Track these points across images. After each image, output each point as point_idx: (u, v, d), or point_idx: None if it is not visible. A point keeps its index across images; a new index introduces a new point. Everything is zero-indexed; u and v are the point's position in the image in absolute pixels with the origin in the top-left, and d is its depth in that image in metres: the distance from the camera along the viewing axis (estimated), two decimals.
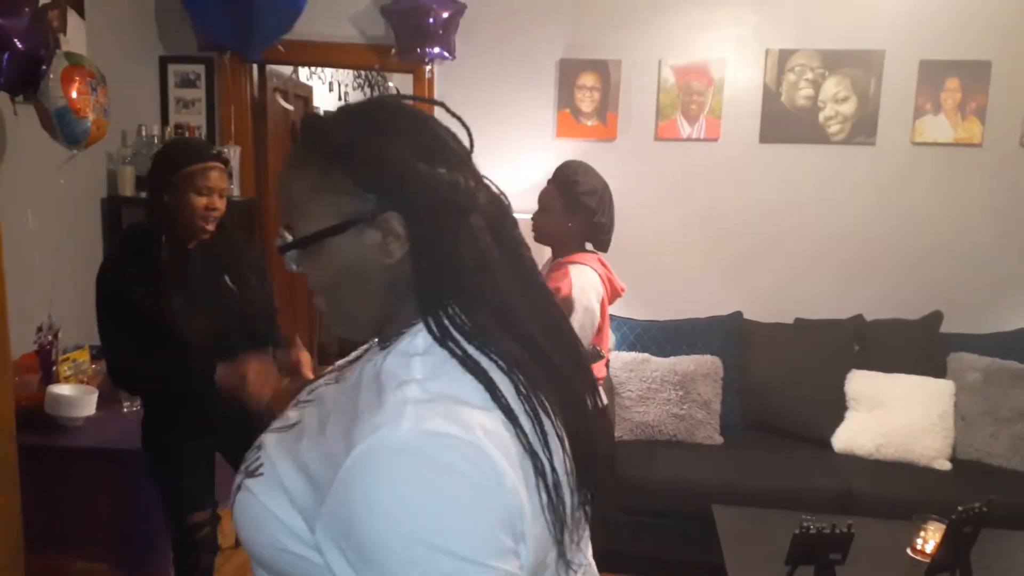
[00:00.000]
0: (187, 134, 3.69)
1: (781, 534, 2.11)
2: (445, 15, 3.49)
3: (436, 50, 3.54)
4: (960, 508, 2.01)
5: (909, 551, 2.26)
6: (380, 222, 0.78)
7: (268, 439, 0.84)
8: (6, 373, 0.78)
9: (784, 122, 3.52)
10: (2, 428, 0.88)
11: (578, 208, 2.36)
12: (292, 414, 0.87)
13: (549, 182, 2.45)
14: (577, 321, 2.27)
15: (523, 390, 0.75)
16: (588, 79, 3.61)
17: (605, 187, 2.41)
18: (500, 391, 0.74)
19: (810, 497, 2.83)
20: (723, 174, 3.60)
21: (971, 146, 3.45)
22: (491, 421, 0.71)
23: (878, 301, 3.51)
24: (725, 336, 3.43)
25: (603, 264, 2.45)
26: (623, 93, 3.60)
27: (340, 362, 0.96)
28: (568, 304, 2.23)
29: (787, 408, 3.31)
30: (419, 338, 0.78)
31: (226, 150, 3.57)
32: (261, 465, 0.81)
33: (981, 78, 3.39)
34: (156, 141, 3.65)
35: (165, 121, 3.78)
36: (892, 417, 3.13)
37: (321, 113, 0.80)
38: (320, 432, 0.78)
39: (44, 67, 2.34)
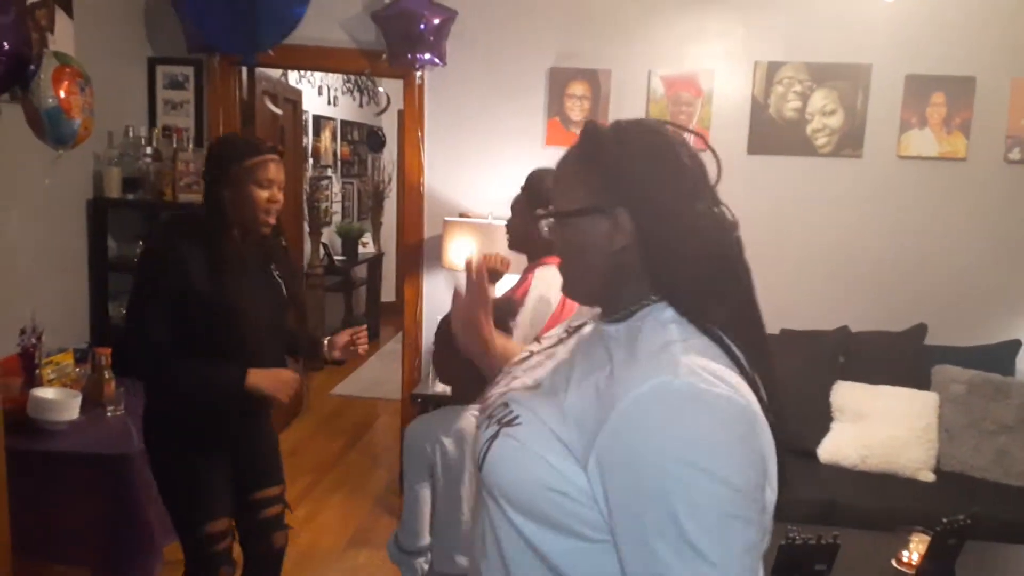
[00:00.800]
0: (174, 136, 3.67)
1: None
2: (436, 21, 3.49)
3: (427, 56, 3.54)
4: (944, 520, 2.03)
5: (894, 563, 2.27)
6: (611, 216, 0.96)
7: (517, 396, 1.00)
8: None
9: (772, 134, 3.55)
10: None
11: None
12: (523, 378, 1.05)
13: (521, 189, 2.48)
14: (529, 310, 2.32)
15: (746, 366, 0.92)
16: (578, 88, 3.62)
17: None
18: (740, 359, 0.91)
19: (795, 508, 2.81)
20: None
21: (956, 160, 3.49)
22: (740, 380, 0.88)
23: (864, 313, 3.54)
24: None
25: None
26: (613, 102, 3.62)
27: (537, 347, 1.15)
28: (513, 305, 2.25)
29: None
30: (667, 312, 0.95)
31: None
32: (517, 416, 0.96)
33: (966, 93, 3.44)
34: (143, 143, 3.62)
35: (153, 123, 3.76)
36: (877, 428, 3.16)
37: (597, 123, 1.03)
38: (575, 387, 0.94)
39: (32, 67, 2.31)
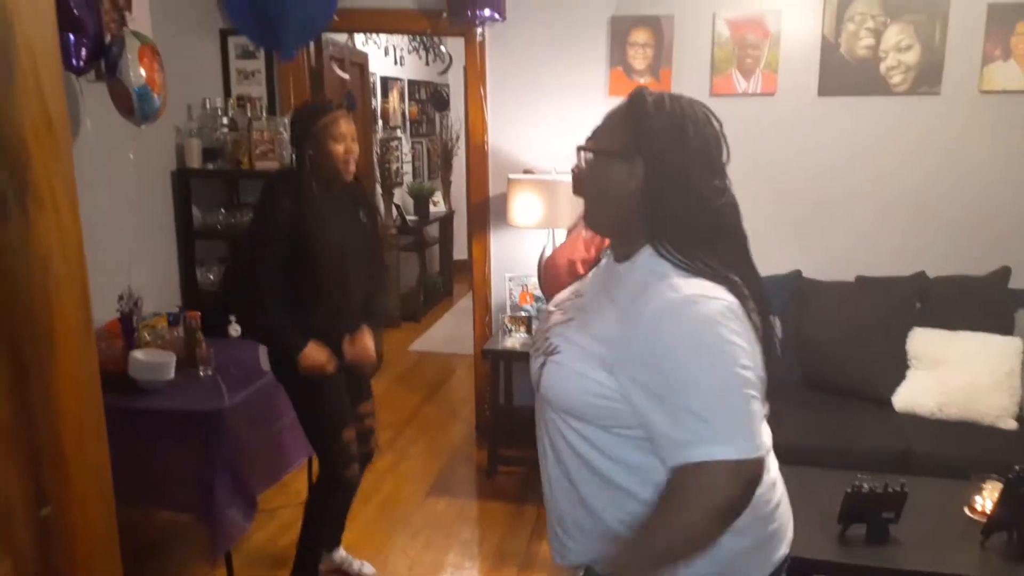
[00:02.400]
0: (248, 106, 3.80)
1: (836, 493, 2.13)
2: None
3: (486, 12, 3.54)
4: (1017, 467, 2.00)
5: (966, 510, 2.25)
6: (630, 162, 1.18)
7: (555, 330, 1.28)
8: (90, 340, 0.88)
9: (844, 74, 3.42)
10: (89, 392, 1.02)
11: None
12: (559, 315, 1.32)
13: None
14: None
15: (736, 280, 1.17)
16: (641, 35, 3.56)
17: None
18: (734, 288, 1.16)
19: (869, 457, 2.82)
20: (781, 129, 3.53)
21: None
22: (721, 288, 1.15)
23: (943, 257, 3.41)
24: (784, 295, 3.40)
25: None
26: (676, 49, 3.55)
27: (562, 295, 1.41)
28: None
29: (847, 367, 3.27)
30: (661, 252, 1.18)
31: (285, 120, 3.68)
32: (557, 346, 1.24)
33: None
34: (219, 113, 3.77)
35: (227, 93, 3.90)
36: (955, 375, 3.08)
37: (645, 89, 1.25)
38: (599, 314, 1.22)
39: (115, 47, 2.44)
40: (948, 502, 2.30)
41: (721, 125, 1.23)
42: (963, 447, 2.90)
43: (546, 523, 1.37)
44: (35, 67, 0.88)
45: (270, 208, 2.41)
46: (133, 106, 2.47)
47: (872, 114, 3.44)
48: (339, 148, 2.40)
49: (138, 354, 2.71)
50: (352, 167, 2.46)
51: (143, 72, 2.48)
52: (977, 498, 2.24)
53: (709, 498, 1.09)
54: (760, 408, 1.14)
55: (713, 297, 1.12)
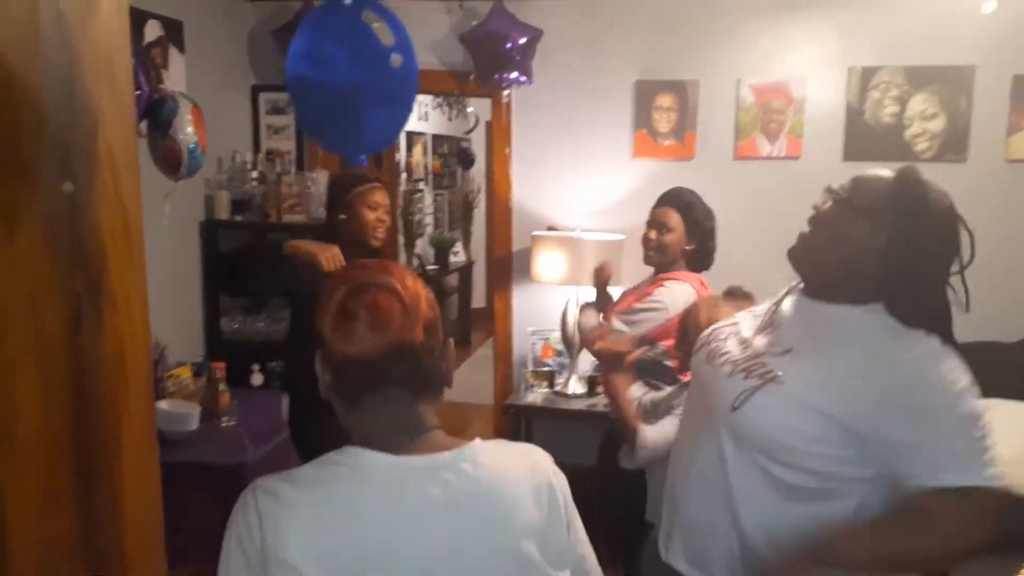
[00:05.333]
0: (277, 160, 3.87)
1: None
2: (522, 41, 3.56)
3: (514, 75, 3.61)
4: None
5: None
6: (876, 226, 1.29)
7: (772, 359, 1.34)
8: (152, 441, 0.87)
9: (869, 140, 3.44)
10: (151, 494, 0.97)
11: (697, 230, 2.63)
12: (762, 341, 1.40)
13: (664, 205, 2.65)
14: (649, 313, 2.51)
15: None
16: (665, 100, 3.62)
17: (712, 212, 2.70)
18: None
19: None
20: (806, 192, 3.51)
21: None
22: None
23: (970, 325, 3.36)
24: None
25: (702, 284, 2.64)
26: (701, 113, 3.60)
27: (743, 314, 1.54)
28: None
29: None
30: (894, 312, 1.31)
31: (312, 174, 3.74)
32: (772, 371, 1.31)
33: None
34: (248, 167, 3.84)
35: (257, 147, 3.98)
36: (1002, 448, 3.01)
37: (914, 171, 1.34)
38: (829, 352, 1.30)
39: (167, 106, 2.52)
40: None
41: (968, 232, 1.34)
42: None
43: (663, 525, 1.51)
44: (115, 172, 0.89)
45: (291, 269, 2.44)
46: (182, 162, 2.53)
47: None
48: (371, 215, 2.51)
49: (163, 404, 2.72)
50: (381, 235, 2.55)
51: (193, 131, 2.55)
52: None
53: (970, 525, 1.22)
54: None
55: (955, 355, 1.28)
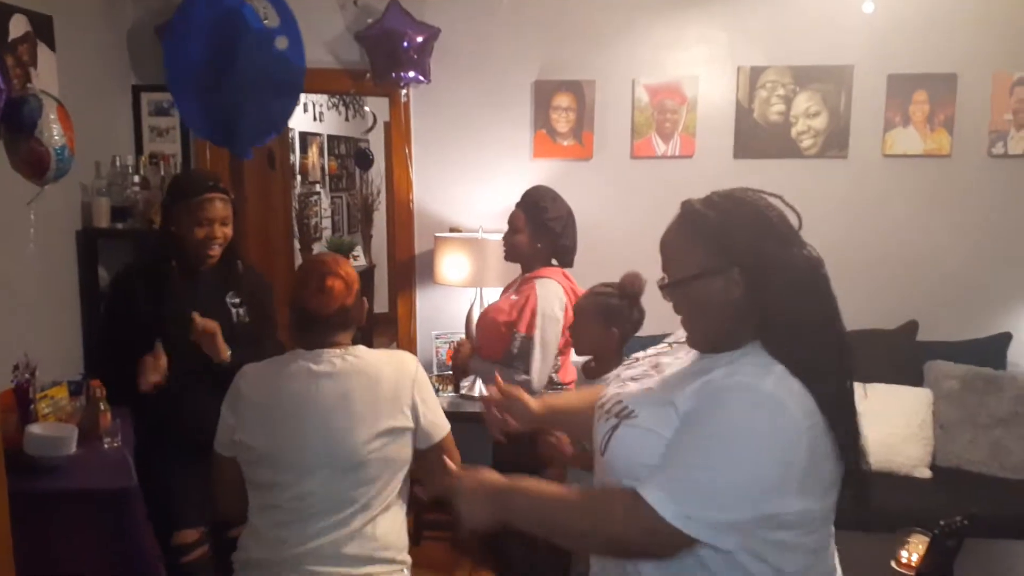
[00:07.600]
0: (161, 164, 3.66)
1: None
2: (420, 39, 3.50)
3: (411, 74, 3.55)
4: (942, 523, 2.05)
5: (893, 564, 2.29)
6: (726, 275, 1.19)
7: (629, 397, 1.28)
8: None
9: (757, 137, 3.57)
10: None
11: (544, 231, 2.67)
12: (633, 386, 1.32)
13: (517, 206, 2.73)
14: (540, 330, 2.55)
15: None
16: (563, 99, 3.64)
17: (570, 212, 2.73)
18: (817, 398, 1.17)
19: None
20: (699, 189, 3.61)
21: (941, 157, 3.52)
22: (808, 401, 1.16)
23: (854, 311, 3.50)
24: None
25: (567, 277, 2.72)
26: (598, 113, 3.63)
27: (642, 354, 1.45)
28: (526, 349, 2.56)
29: None
30: (764, 355, 1.19)
31: None
32: (631, 410, 1.24)
33: (948, 90, 3.46)
34: (130, 171, 3.62)
35: (139, 150, 3.75)
36: (871, 427, 3.11)
37: (693, 201, 1.25)
38: (678, 388, 1.21)
39: (30, 105, 2.32)
40: (875, 556, 2.33)
41: (777, 196, 1.25)
42: (883, 497, 2.95)
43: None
44: None
45: (113, 293, 2.38)
46: (49, 166, 2.33)
47: (784, 175, 3.58)
48: (200, 231, 2.29)
49: (35, 428, 2.51)
50: (214, 251, 2.34)
51: (60, 131, 2.35)
52: (903, 552, 2.28)
53: (620, 525, 1.15)
54: (765, 509, 1.14)
55: (789, 407, 1.13)
